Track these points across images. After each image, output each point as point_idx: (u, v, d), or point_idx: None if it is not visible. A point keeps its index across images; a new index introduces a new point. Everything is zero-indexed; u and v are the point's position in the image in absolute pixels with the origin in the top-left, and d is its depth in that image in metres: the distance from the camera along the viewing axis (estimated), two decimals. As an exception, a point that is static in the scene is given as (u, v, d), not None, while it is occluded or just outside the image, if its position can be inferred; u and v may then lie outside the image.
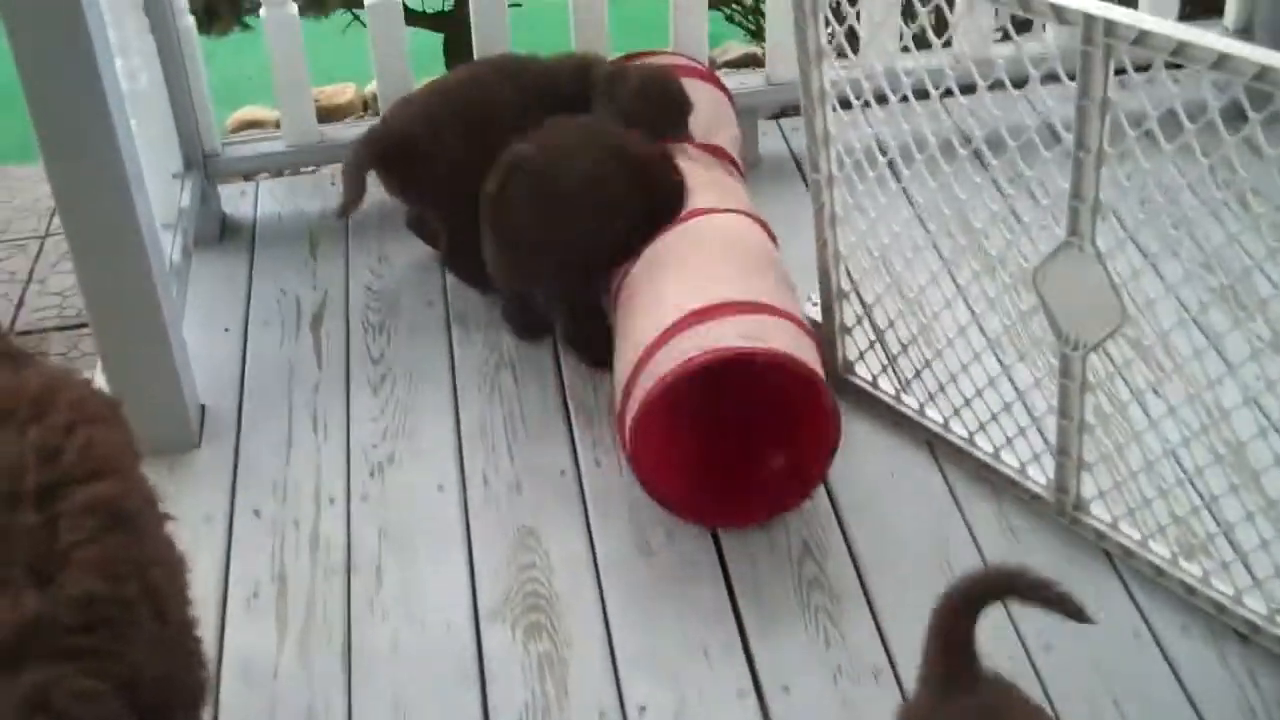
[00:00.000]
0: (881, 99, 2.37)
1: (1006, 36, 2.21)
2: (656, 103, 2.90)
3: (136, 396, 2.30)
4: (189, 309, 2.94)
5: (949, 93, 2.27)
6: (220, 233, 3.29)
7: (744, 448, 2.56)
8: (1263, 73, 1.82)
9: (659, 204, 2.71)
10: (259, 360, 2.91)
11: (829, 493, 2.55)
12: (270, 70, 3.22)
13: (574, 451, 2.66)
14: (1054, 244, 2.18)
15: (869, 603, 2.35)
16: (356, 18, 4.69)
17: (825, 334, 2.71)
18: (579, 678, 2.25)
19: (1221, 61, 1.86)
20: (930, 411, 2.61)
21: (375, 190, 3.30)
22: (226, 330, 2.99)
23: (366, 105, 4.99)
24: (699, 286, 2.50)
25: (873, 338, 2.67)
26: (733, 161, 3.01)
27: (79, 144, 2.37)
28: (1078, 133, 2.05)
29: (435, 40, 4.94)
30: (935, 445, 2.61)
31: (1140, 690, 2.19)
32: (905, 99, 2.33)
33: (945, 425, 2.59)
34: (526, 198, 2.71)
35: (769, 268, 2.61)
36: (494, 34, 3.22)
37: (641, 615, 2.35)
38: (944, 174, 2.35)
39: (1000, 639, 2.26)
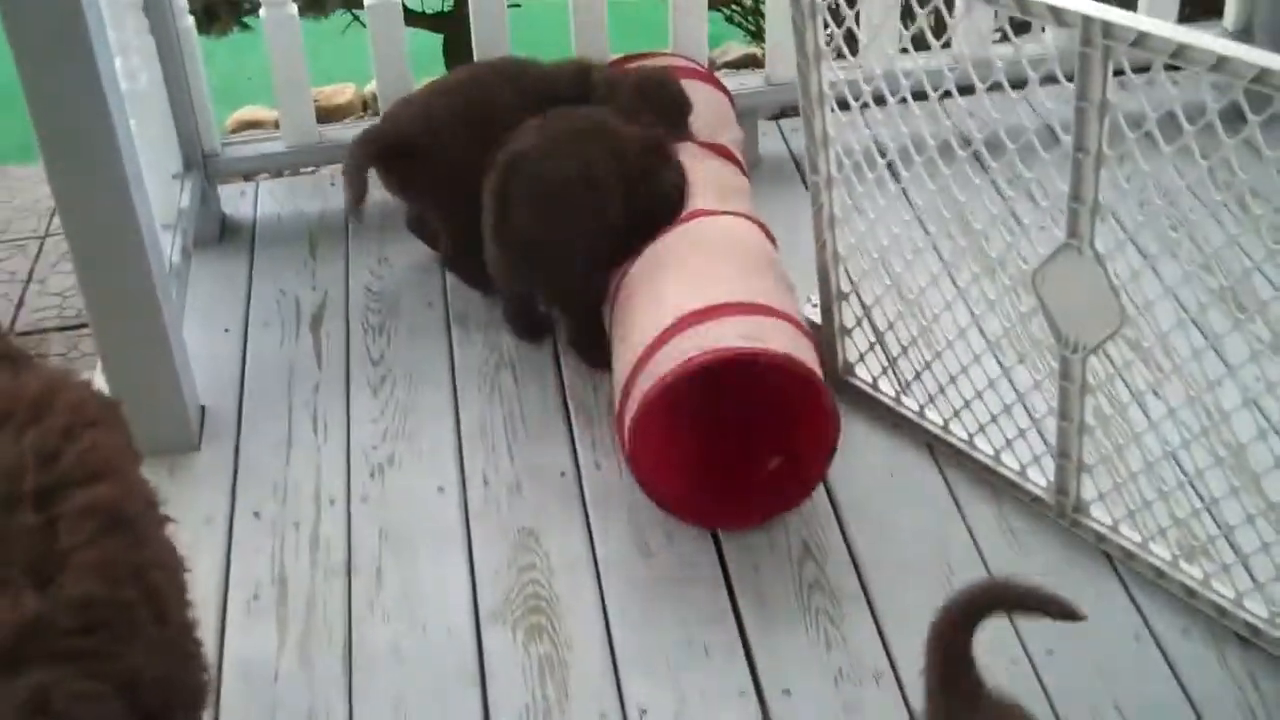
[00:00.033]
0: (880, 100, 2.37)
1: (1005, 38, 2.21)
2: (655, 103, 2.90)
3: (136, 397, 2.30)
4: (189, 310, 2.94)
5: (948, 94, 2.27)
6: (220, 233, 3.29)
7: (743, 449, 2.56)
8: (1261, 75, 1.82)
9: (658, 203, 2.71)
10: (259, 361, 2.91)
11: (829, 494, 2.55)
12: (270, 70, 3.21)
13: (574, 452, 2.66)
14: (1053, 246, 2.18)
15: (870, 605, 2.35)
16: (356, 18, 4.69)
17: (825, 335, 2.71)
18: (579, 679, 2.25)
19: (1220, 64, 1.85)
20: (930, 413, 2.61)
21: (376, 191, 3.30)
22: (226, 331, 2.99)
23: (366, 105, 4.99)
24: (698, 287, 2.50)
25: (873, 339, 2.67)
26: (736, 161, 3.00)
27: (79, 144, 2.37)
28: (1076, 135, 2.05)
29: (435, 41, 4.94)
30: (935, 447, 2.61)
31: (1141, 692, 2.19)
32: (904, 100, 2.33)
33: (945, 427, 2.59)
34: (524, 198, 2.70)
35: (768, 269, 2.61)
36: (493, 34, 3.22)
37: (642, 617, 2.35)
38: (943, 176, 2.35)
39: (1002, 643, 2.26)
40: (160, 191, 2.89)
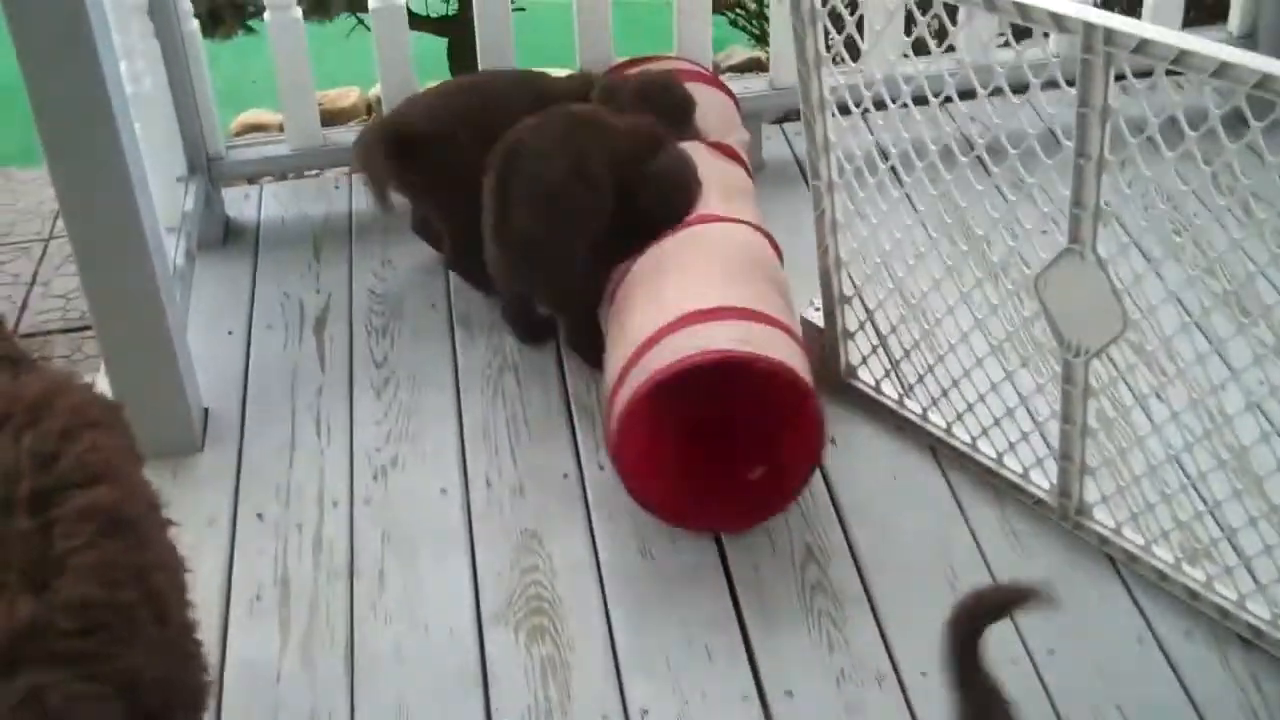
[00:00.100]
0: (881, 105, 2.37)
1: (1008, 43, 2.21)
2: (659, 105, 2.90)
3: (139, 399, 2.31)
4: (192, 312, 2.94)
5: (949, 99, 2.27)
6: (224, 236, 3.29)
7: (728, 454, 2.56)
8: (1264, 81, 1.82)
9: (654, 188, 2.69)
10: (262, 363, 2.91)
11: (832, 496, 2.55)
12: (274, 74, 3.22)
13: (577, 455, 2.66)
14: (1056, 250, 2.18)
15: (872, 607, 2.35)
16: (360, 21, 4.69)
17: (828, 339, 2.71)
18: (582, 681, 2.25)
19: (1222, 70, 1.85)
20: (933, 416, 2.61)
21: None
22: (230, 333, 3.00)
23: (370, 109, 4.99)
24: (696, 290, 2.50)
25: (875, 343, 2.67)
26: (742, 162, 3.00)
27: (83, 147, 2.38)
28: (1078, 140, 2.05)
29: (439, 44, 4.94)
30: (938, 450, 2.61)
31: (1143, 695, 2.19)
32: (905, 105, 2.33)
33: (948, 430, 2.59)
34: (521, 197, 2.71)
35: (768, 279, 2.60)
36: (498, 38, 3.23)
37: (644, 619, 2.35)
38: (945, 181, 2.35)
39: (1003, 642, 2.26)
40: (164, 194, 2.89)
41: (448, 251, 3.08)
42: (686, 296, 2.48)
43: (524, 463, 2.65)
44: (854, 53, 2.39)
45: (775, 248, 2.74)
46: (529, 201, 2.70)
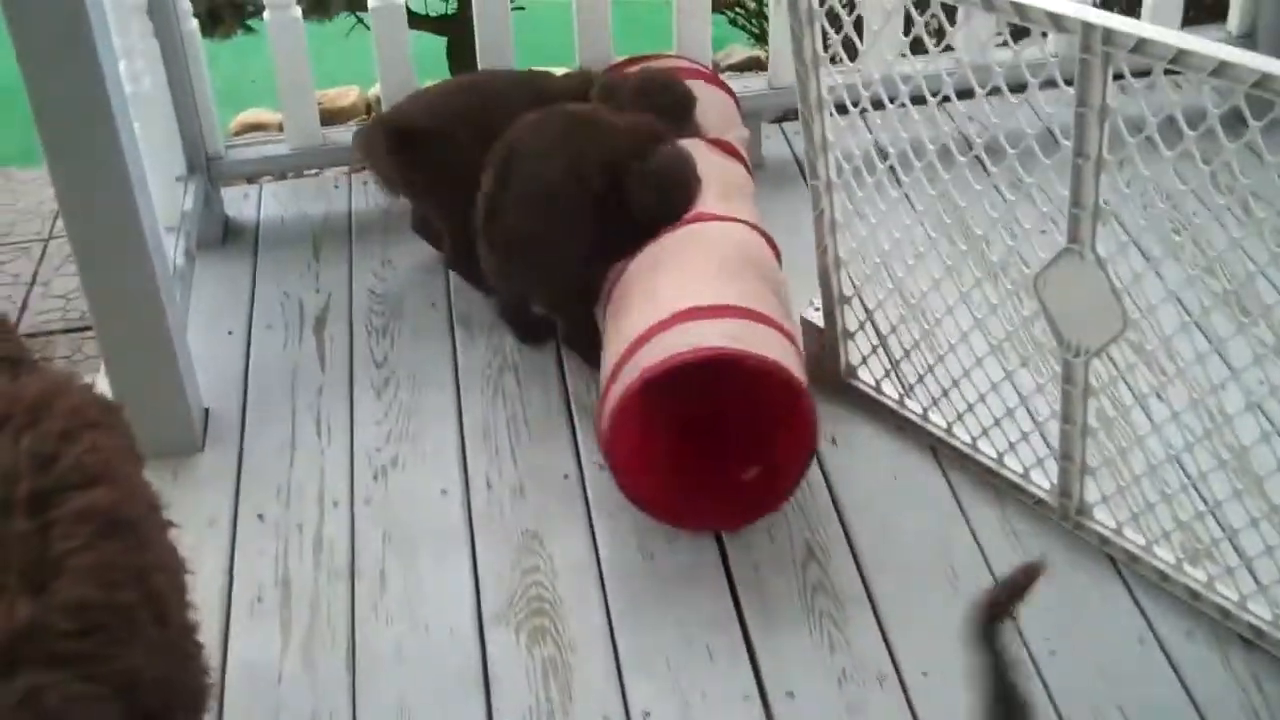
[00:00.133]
0: (879, 105, 2.37)
1: (1006, 43, 2.21)
2: (658, 100, 2.90)
3: (140, 400, 2.31)
4: (192, 312, 2.94)
5: (947, 99, 2.27)
6: (223, 236, 3.29)
7: (721, 453, 2.56)
8: (1262, 80, 1.81)
9: (651, 182, 2.68)
10: (262, 363, 2.91)
11: (832, 496, 2.55)
12: (274, 73, 3.22)
13: (577, 455, 2.66)
14: (1055, 250, 2.18)
15: (873, 607, 2.35)
16: (360, 21, 4.69)
17: (827, 339, 2.71)
18: (583, 682, 2.25)
19: (1221, 69, 1.85)
20: (934, 416, 2.61)
21: (379, 193, 3.30)
22: (230, 333, 2.99)
23: (370, 108, 4.99)
24: (692, 288, 2.50)
25: (875, 342, 2.67)
26: (742, 159, 3.00)
27: (83, 147, 2.38)
28: (1076, 140, 2.05)
29: (438, 43, 4.93)
30: (939, 450, 2.61)
31: (1144, 695, 2.19)
32: (903, 105, 2.33)
33: (949, 430, 2.59)
34: (513, 198, 2.71)
35: (766, 279, 2.60)
36: (497, 37, 3.22)
37: (645, 619, 2.35)
38: (944, 180, 2.35)
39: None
40: (164, 194, 2.89)
41: (448, 251, 3.07)
42: (681, 294, 2.48)
43: (524, 463, 2.65)
44: (852, 52, 2.39)
45: (773, 247, 2.73)
46: (525, 201, 2.70)
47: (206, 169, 3.23)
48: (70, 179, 2.41)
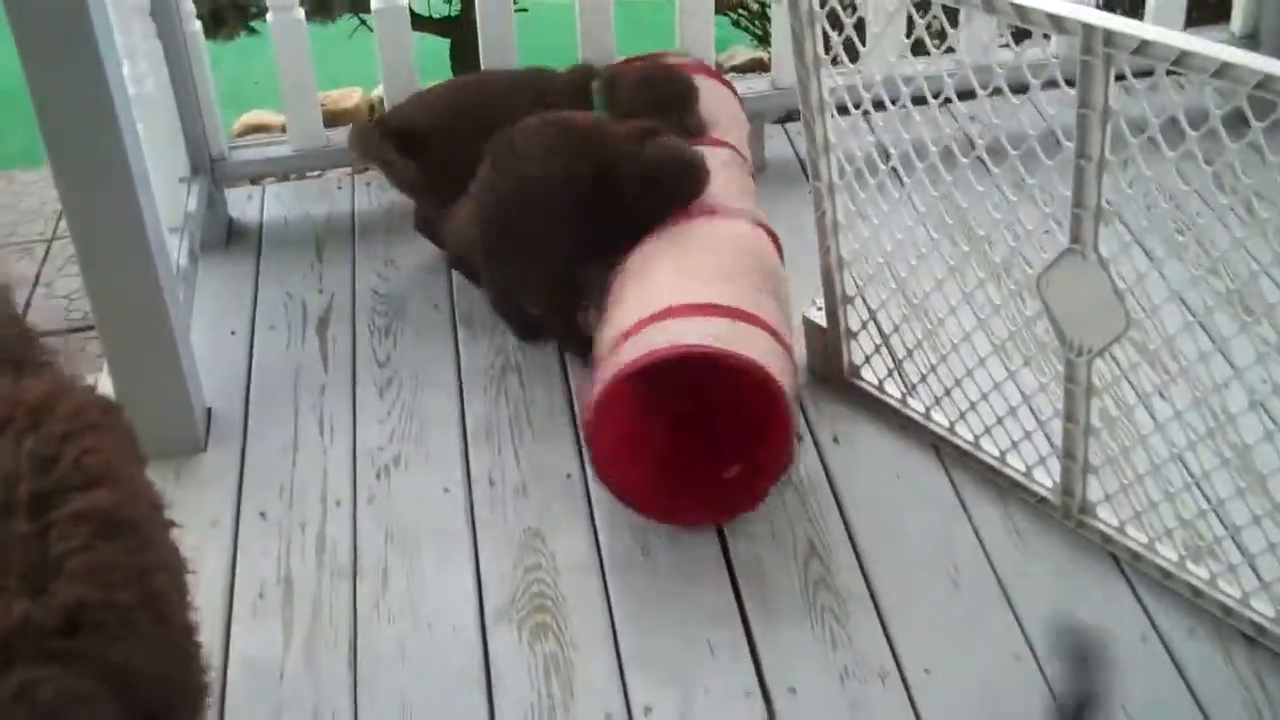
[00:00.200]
0: (881, 106, 2.37)
1: (1008, 44, 2.21)
2: (660, 89, 2.90)
3: (143, 400, 2.32)
4: (195, 312, 2.94)
5: (949, 100, 2.27)
6: (227, 236, 3.30)
7: (703, 451, 2.56)
8: (1265, 81, 1.82)
9: (654, 184, 2.68)
10: (265, 363, 2.91)
11: (835, 493, 2.55)
12: (277, 75, 3.22)
13: (579, 454, 2.66)
14: (1057, 250, 2.18)
15: (875, 604, 2.35)
16: (363, 22, 4.70)
17: (830, 338, 2.71)
18: (585, 679, 2.25)
19: (1223, 70, 1.85)
20: (936, 415, 2.61)
21: (382, 194, 3.31)
22: (233, 334, 3.00)
23: (373, 110, 4.99)
24: (683, 286, 2.51)
25: (878, 342, 2.67)
26: (743, 157, 3.00)
27: (85, 148, 2.38)
28: (1079, 141, 2.05)
29: (441, 45, 4.94)
30: (941, 448, 2.61)
31: (1147, 692, 2.19)
32: (905, 107, 2.33)
33: (951, 429, 2.59)
34: (500, 195, 2.72)
35: (763, 277, 2.60)
36: (500, 39, 3.23)
37: (647, 616, 2.36)
38: (946, 181, 2.35)
39: (1005, 637, 2.26)
40: (167, 195, 2.89)
41: (450, 249, 3.07)
42: (672, 292, 2.49)
43: (527, 462, 2.65)
44: (854, 54, 2.39)
45: (775, 241, 2.73)
46: (512, 198, 2.71)
47: (210, 170, 3.23)
48: (73, 180, 2.42)
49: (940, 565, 2.40)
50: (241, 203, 3.40)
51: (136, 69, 2.87)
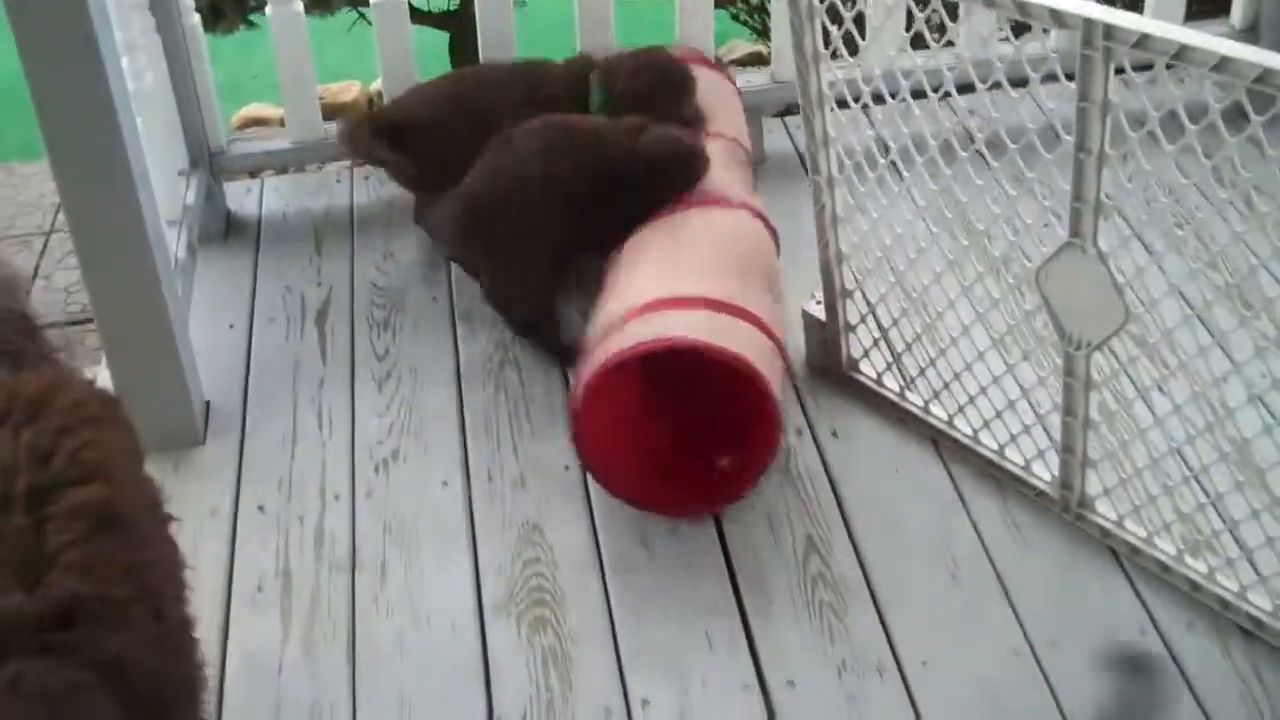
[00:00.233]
0: (880, 100, 2.37)
1: (1008, 38, 2.21)
2: (656, 78, 2.89)
3: (141, 393, 2.32)
4: (194, 306, 2.94)
5: (948, 94, 2.27)
6: (225, 230, 3.30)
7: (689, 442, 2.56)
8: (1264, 75, 1.81)
9: (652, 169, 2.68)
10: (264, 356, 2.91)
11: (833, 487, 2.55)
12: (275, 68, 3.22)
13: (578, 448, 2.66)
14: (1056, 244, 2.18)
15: (873, 597, 2.35)
16: (362, 16, 4.70)
17: (829, 332, 2.71)
18: (583, 672, 2.25)
19: (1223, 64, 1.85)
20: (935, 409, 2.61)
21: (380, 188, 3.31)
22: (231, 327, 3.00)
23: (371, 103, 4.99)
24: (674, 277, 2.51)
25: (877, 335, 2.67)
26: (744, 149, 3.00)
27: (84, 141, 2.38)
28: (1078, 135, 2.05)
29: (440, 39, 4.95)
30: (940, 442, 2.62)
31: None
32: (904, 100, 2.32)
33: (950, 422, 2.59)
34: (502, 198, 2.73)
35: (757, 270, 2.60)
36: (499, 33, 3.23)
37: (645, 610, 2.36)
38: (945, 175, 2.35)
39: (1004, 633, 2.26)
40: (166, 188, 2.89)
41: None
42: (661, 283, 2.49)
43: (525, 455, 2.65)
44: (853, 48, 2.39)
45: (772, 232, 2.73)
46: (509, 199, 2.71)
47: (208, 163, 3.23)
48: (72, 173, 2.42)
49: (939, 559, 2.40)
50: (240, 196, 3.40)
51: (136, 63, 2.87)
